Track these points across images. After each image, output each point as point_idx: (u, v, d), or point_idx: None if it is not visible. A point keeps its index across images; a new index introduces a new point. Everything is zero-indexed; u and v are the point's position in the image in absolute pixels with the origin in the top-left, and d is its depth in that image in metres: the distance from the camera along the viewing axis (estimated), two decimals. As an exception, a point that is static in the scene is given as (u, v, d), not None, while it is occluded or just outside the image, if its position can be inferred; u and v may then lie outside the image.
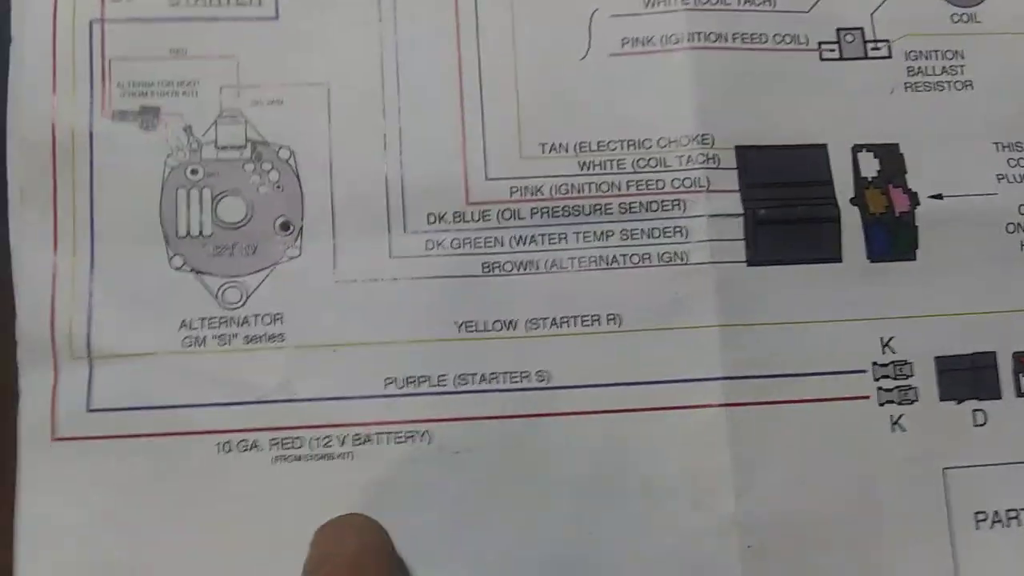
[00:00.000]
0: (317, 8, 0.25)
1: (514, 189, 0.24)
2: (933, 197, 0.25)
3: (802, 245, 0.25)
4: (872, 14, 0.26)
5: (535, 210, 0.24)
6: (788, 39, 0.26)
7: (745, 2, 0.26)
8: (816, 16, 0.26)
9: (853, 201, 0.25)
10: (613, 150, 0.25)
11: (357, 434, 0.23)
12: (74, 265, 0.23)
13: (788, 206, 0.25)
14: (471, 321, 0.24)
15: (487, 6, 0.25)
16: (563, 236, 0.24)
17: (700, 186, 0.24)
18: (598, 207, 0.24)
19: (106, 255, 0.23)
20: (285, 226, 0.24)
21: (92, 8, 0.24)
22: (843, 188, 0.25)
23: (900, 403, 0.24)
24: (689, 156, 0.25)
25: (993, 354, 0.24)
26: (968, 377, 0.24)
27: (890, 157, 0.25)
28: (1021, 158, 0.25)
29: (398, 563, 0.22)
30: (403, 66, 0.25)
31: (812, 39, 0.26)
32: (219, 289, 0.23)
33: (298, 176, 0.24)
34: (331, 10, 0.25)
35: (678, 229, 0.24)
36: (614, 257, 0.24)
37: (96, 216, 0.23)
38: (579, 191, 0.24)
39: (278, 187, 0.24)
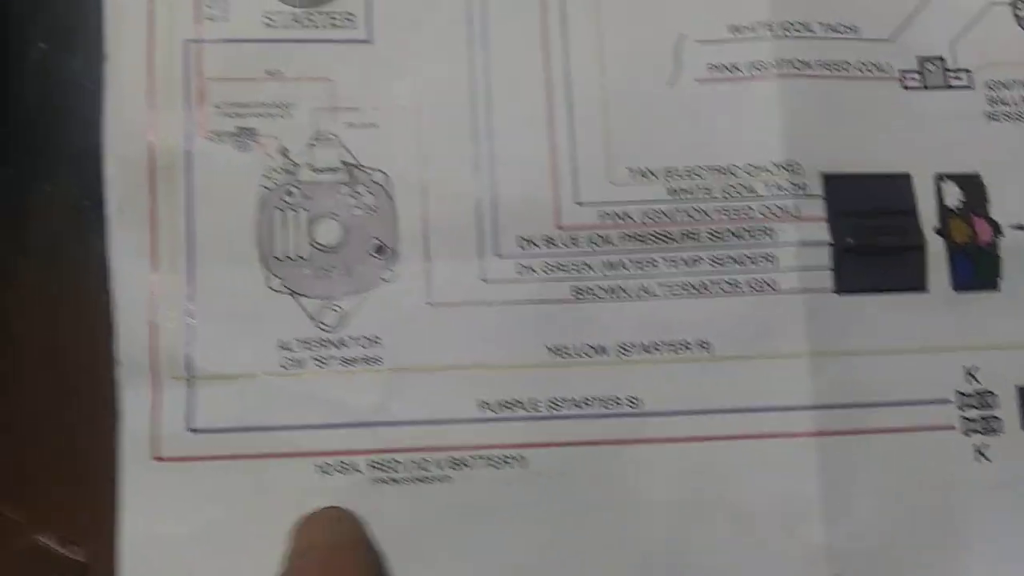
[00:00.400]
0: (409, 30, 0.25)
1: (604, 214, 0.25)
2: (1016, 227, 0.25)
3: (888, 274, 0.25)
4: (953, 43, 0.26)
5: (625, 236, 0.25)
6: (871, 67, 0.26)
7: (829, 29, 0.26)
8: (898, 44, 0.26)
9: (937, 231, 0.25)
10: (701, 176, 0.25)
11: (453, 457, 0.23)
12: (173, 284, 0.23)
13: (874, 235, 0.25)
14: (563, 346, 0.24)
15: (575, 32, 0.25)
16: (652, 262, 0.25)
17: (788, 214, 0.25)
18: (687, 234, 0.25)
19: (204, 275, 0.24)
20: (379, 249, 0.24)
21: (187, 28, 0.24)
22: (927, 217, 0.25)
23: (984, 433, 0.24)
24: (777, 183, 0.25)
25: (1076, 385, 0.25)
26: (1052, 407, 0.25)
27: (972, 187, 0.25)
28: (1104, 190, 0.26)
29: (375, 556, 0.22)
30: (493, 89, 0.25)
31: (894, 67, 0.26)
32: (316, 311, 0.24)
33: (392, 199, 0.24)
34: (423, 33, 0.25)
35: (767, 257, 0.25)
36: (704, 284, 0.24)
37: (193, 236, 0.24)
38: (668, 218, 0.25)
39: (372, 210, 0.24)
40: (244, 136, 0.24)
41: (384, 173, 0.24)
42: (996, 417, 0.24)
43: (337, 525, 0.21)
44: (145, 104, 0.24)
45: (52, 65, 0.25)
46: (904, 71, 0.26)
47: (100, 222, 0.24)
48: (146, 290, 0.23)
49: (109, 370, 0.23)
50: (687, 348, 0.24)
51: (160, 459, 0.23)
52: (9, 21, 0.25)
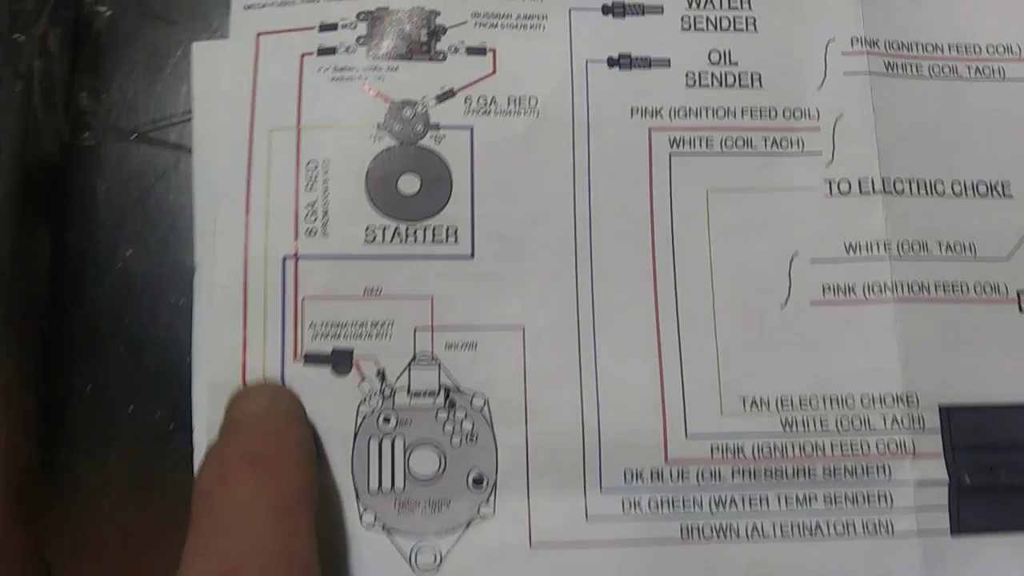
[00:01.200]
0: (513, 246, 0.24)
1: (715, 448, 0.24)
2: None
3: (1009, 513, 0.24)
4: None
5: (736, 471, 0.24)
6: (988, 289, 0.25)
7: (947, 249, 0.25)
8: (1015, 263, 0.25)
9: (1061, 469, 0.24)
10: (816, 408, 0.24)
11: None
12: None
13: (994, 471, 0.24)
14: (669, 592, 0.23)
15: (684, 251, 0.25)
16: (765, 499, 0.24)
17: (905, 450, 0.24)
18: (801, 470, 0.24)
19: (297, 511, 0.23)
20: (478, 481, 0.23)
21: (286, 243, 0.24)
22: (1050, 453, 0.24)
23: None
24: (894, 417, 0.24)
25: None
26: None
27: (1096, 420, 0.25)
28: None
29: (309, 429, 0.22)
30: (599, 311, 0.24)
31: (1011, 288, 0.25)
32: (412, 551, 0.23)
33: (492, 426, 0.23)
34: (527, 249, 0.24)
35: (883, 496, 0.24)
36: (817, 525, 0.24)
37: (286, 467, 0.23)
38: (782, 453, 0.24)
39: (471, 438, 0.23)
40: (341, 358, 0.23)
41: (484, 398, 0.24)
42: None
43: (271, 397, 0.21)
44: (238, 323, 0.23)
45: (138, 275, 0.24)
46: (1021, 291, 0.25)
47: (186, 447, 0.23)
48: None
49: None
50: (800, 598, 0.23)
51: None
52: (97, 227, 0.25)
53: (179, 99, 0.25)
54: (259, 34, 0.25)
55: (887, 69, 0.26)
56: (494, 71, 0.25)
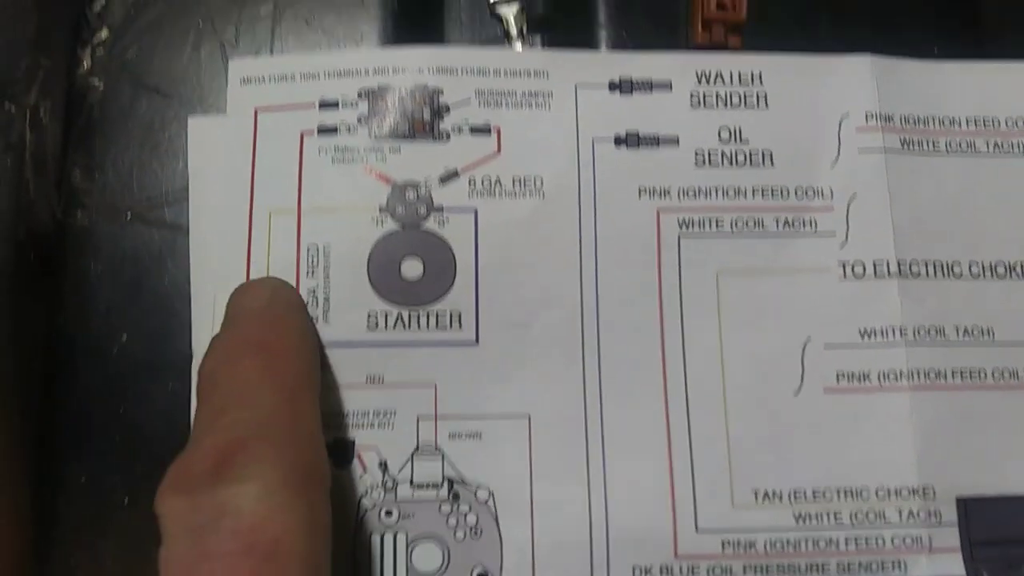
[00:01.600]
0: (518, 330, 0.24)
1: (726, 543, 0.23)
2: None
3: (1029, 609, 0.24)
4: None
5: (748, 567, 0.23)
6: (1007, 375, 0.25)
7: (965, 333, 0.25)
8: (1032, 352, 0.25)
9: (1083, 565, 0.24)
10: (830, 500, 0.24)
11: None
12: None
13: (1013, 567, 0.24)
14: None
15: (694, 336, 0.24)
16: (777, 597, 0.23)
17: (922, 545, 0.23)
18: (815, 566, 0.23)
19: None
20: (482, 577, 0.23)
21: (285, 330, 0.23)
22: (1070, 548, 0.24)
23: None
24: (910, 510, 0.24)
25: None
26: None
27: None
28: None
29: (309, 318, 0.22)
30: (607, 399, 0.24)
31: (1030, 374, 0.25)
32: (414, 654, 0.22)
33: (497, 520, 0.23)
34: (532, 334, 0.24)
35: (898, 593, 0.23)
36: (831, 625, 0.23)
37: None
38: (795, 547, 0.23)
39: (475, 532, 0.23)
40: (342, 449, 0.23)
41: (489, 490, 0.23)
42: None
43: (272, 289, 0.21)
44: None
45: (133, 361, 0.24)
46: (1040, 376, 0.25)
47: None
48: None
49: None
50: None
51: None
52: (91, 311, 0.24)
53: (175, 176, 0.25)
54: (257, 110, 0.24)
55: (903, 146, 0.25)
56: (498, 151, 0.24)
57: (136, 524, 0.23)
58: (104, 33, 0.25)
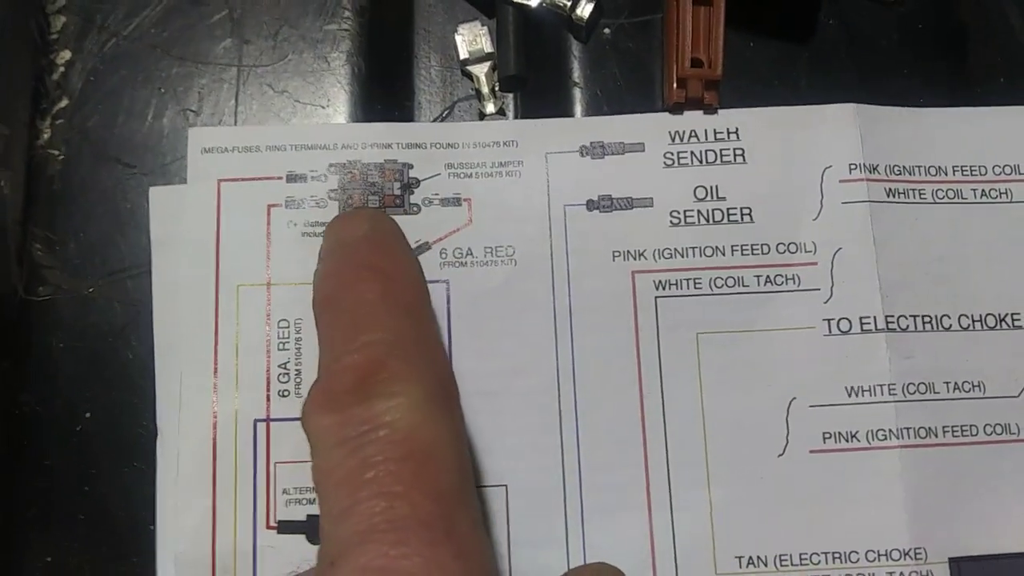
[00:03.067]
0: (492, 400, 0.24)
1: (710, 612, 0.24)
2: None
3: (1025, 676, 0.24)
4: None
5: (732, 638, 0.24)
6: (1000, 429, 0.25)
7: (954, 389, 0.25)
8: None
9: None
10: (817, 564, 0.24)
11: None
12: None
13: (1010, 630, 0.24)
14: None
15: (674, 399, 0.25)
16: (762, 670, 0.24)
17: None
18: (802, 636, 0.24)
19: None
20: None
21: (257, 406, 0.24)
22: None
23: None
24: (901, 573, 0.24)
25: None
26: None
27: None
28: None
29: (414, 255, 0.22)
30: (585, 466, 0.24)
31: (1023, 428, 0.25)
32: None
33: (476, 590, 0.24)
34: (507, 403, 0.24)
35: (889, 662, 0.24)
36: None
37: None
38: (782, 614, 0.24)
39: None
40: (315, 525, 0.24)
41: (467, 560, 0.24)
42: None
43: (372, 217, 0.21)
44: (207, 492, 0.23)
45: (97, 438, 0.25)
46: (1033, 431, 0.25)
47: None
48: None
49: None
50: None
51: None
52: (53, 388, 0.25)
53: (138, 249, 0.25)
54: (220, 180, 0.25)
55: (888, 195, 0.26)
56: (470, 221, 0.25)
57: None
58: (64, 102, 0.26)
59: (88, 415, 0.25)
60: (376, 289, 0.20)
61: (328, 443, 0.18)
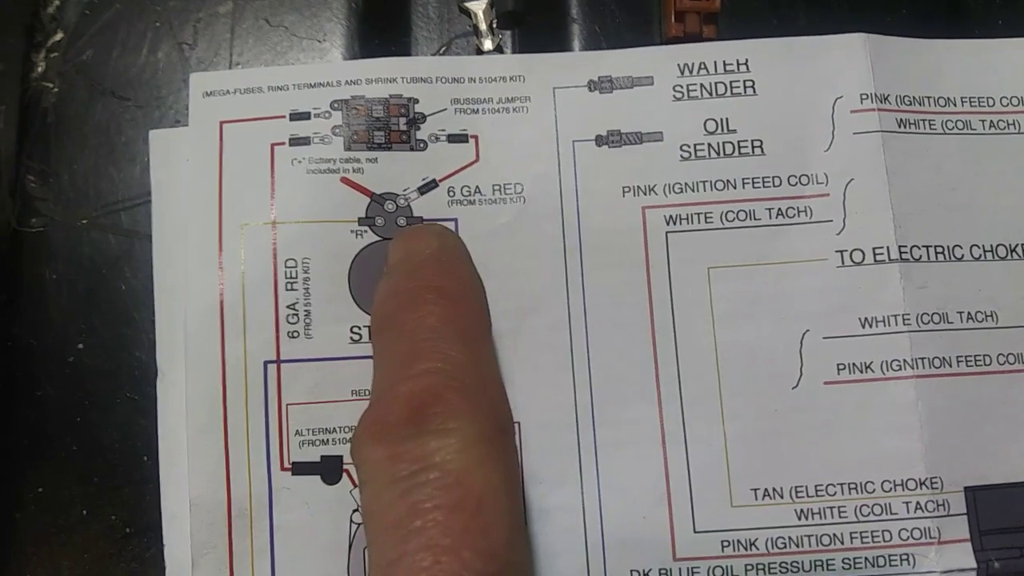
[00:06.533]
0: (504, 339, 0.26)
1: (725, 543, 0.26)
2: None
3: (1043, 598, 0.26)
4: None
5: (750, 566, 0.26)
6: (1012, 359, 0.27)
7: (968, 319, 0.27)
8: (1036, 331, 0.27)
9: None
10: (833, 495, 0.26)
11: None
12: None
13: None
14: None
15: (686, 334, 0.27)
16: (780, 596, 0.26)
17: (930, 537, 0.26)
18: (819, 563, 0.26)
19: (288, 630, 0.24)
20: (479, 588, 0.26)
21: (266, 347, 0.26)
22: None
23: None
24: (917, 502, 0.26)
25: None
26: None
27: None
28: None
29: (474, 266, 0.24)
30: (598, 403, 0.26)
31: (1034, 358, 0.27)
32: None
33: (492, 531, 0.26)
34: (519, 342, 0.26)
35: (907, 587, 0.26)
36: (838, 621, 0.26)
37: (278, 586, 0.25)
38: (797, 544, 0.26)
39: (471, 545, 0.26)
40: (330, 466, 0.26)
41: (484, 500, 0.26)
42: None
43: (440, 234, 0.23)
44: (218, 436, 0.25)
45: (90, 370, 0.27)
46: (1046, 359, 0.26)
47: (142, 551, 0.26)
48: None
49: None
50: None
51: None
52: (46, 320, 0.27)
53: (132, 182, 0.27)
54: (222, 122, 0.27)
55: (899, 125, 0.28)
56: (477, 158, 0.27)
57: (94, 537, 0.26)
58: (58, 36, 0.28)
59: (81, 346, 0.26)
60: (438, 313, 0.21)
61: (379, 480, 0.19)
